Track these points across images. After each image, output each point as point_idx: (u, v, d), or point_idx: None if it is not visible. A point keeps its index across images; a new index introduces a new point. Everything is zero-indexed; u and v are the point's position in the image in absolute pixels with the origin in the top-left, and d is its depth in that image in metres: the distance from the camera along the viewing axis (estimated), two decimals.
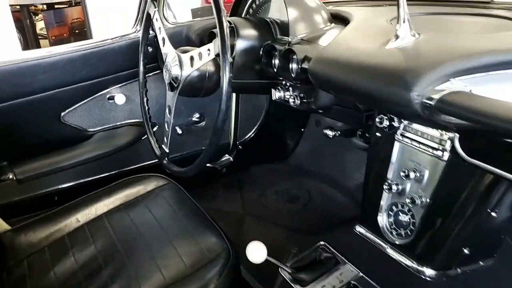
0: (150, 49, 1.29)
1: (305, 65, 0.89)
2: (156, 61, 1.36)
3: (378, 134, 1.00)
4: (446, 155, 0.84)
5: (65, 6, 6.46)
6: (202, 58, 0.88)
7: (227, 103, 0.81)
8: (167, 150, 1.07)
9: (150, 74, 1.38)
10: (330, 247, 1.03)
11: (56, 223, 1.06)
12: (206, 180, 1.72)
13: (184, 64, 0.95)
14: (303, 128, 1.87)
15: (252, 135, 1.74)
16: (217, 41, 0.82)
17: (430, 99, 0.62)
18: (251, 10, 1.20)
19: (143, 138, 1.45)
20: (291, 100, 1.00)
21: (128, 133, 1.41)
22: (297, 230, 1.39)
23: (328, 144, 1.78)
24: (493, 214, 0.86)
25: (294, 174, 1.77)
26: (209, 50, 0.86)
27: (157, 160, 1.20)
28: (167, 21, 1.37)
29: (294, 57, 0.93)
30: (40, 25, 6.08)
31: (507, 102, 0.56)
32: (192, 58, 0.92)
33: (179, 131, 1.52)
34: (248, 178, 1.76)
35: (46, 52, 1.21)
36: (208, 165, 1.75)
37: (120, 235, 1.02)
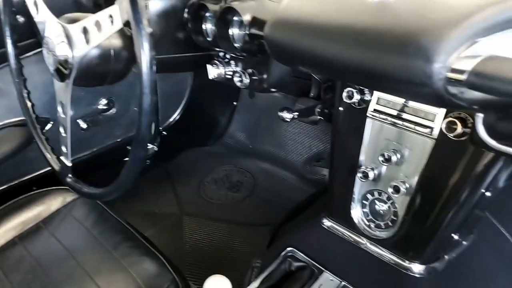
0: (21, 19, 0.92)
1: (255, 31, 0.65)
2: (34, 35, 0.99)
3: (341, 108, 0.81)
4: (435, 132, 0.69)
5: None
6: (102, 29, 0.58)
7: (153, 97, 0.55)
8: (69, 163, 0.77)
9: (29, 54, 1.02)
10: (299, 253, 0.85)
11: None
12: None
13: (75, 40, 0.64)
14: (235, 101, 1.63)
15: (178, 117, 1.46)
16: (123, 2, 0.53)
17: (461, 72, 0.43)
18: None
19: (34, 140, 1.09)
20: (236, 79, 0.76)
21: (10, 137, 1.04)
22: (250, 226, 1.20)
23: (265, 117, 1.58)
24: (488, 194, 0.74)
25: (232, 156, 1.55)
26: (111, 16, 0.56)
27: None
28: None
29: (236, 18, 0.68)
30: None
31: None
32: (86, 31, 0.61)
33: (83, 125, 1.18)
34: (179, 168, 1.50)
35: None
36: (127, 159, 1.45)
37: (18, 282, 0.75)
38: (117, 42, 0.69)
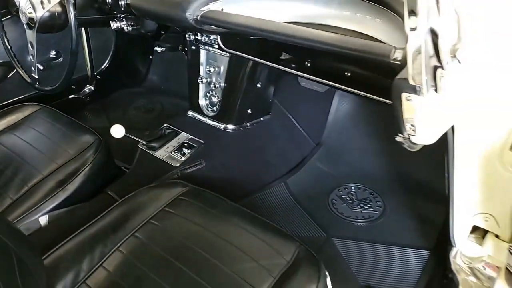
0: None
1: (128, 1, 1.31)
2: (5, 7, 1.59)
3: (193, 47, 1.51)
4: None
5: None
6: (51, 1, 1.23)
7: (77, 32, 1.20)
8: (37, 77, 1.41)
9: (3, 19, 1.61)
10: (171, 126, 1.56)
11: None
12: (73, 108, 2.04)
13: (36, 7, 1.27)
14: (151, 56, 2.29)
15: (107, 64, 2.09)
16: None
17: (197, 16, 1.12)
18: None
19: (8, 76, 1.69)
20: (125, 28, 1.42)
21: None
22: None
23: (171, 65, 2.25)
24: (258, 85, 1.47)
25: (149, 93, 2.21)
26: None
27: (25, 95, 1.51)
28: None
29: None
30: None
31: (239, 15, 1.08)
32: (42, 2, 1.25)
33: (41, 67, 1.79)
34: (111, 102, 2.14)
35: None
36: (73, 96, 2.07)
37: (18, 153, 1.30)
38: (58, 8, 1.32)
